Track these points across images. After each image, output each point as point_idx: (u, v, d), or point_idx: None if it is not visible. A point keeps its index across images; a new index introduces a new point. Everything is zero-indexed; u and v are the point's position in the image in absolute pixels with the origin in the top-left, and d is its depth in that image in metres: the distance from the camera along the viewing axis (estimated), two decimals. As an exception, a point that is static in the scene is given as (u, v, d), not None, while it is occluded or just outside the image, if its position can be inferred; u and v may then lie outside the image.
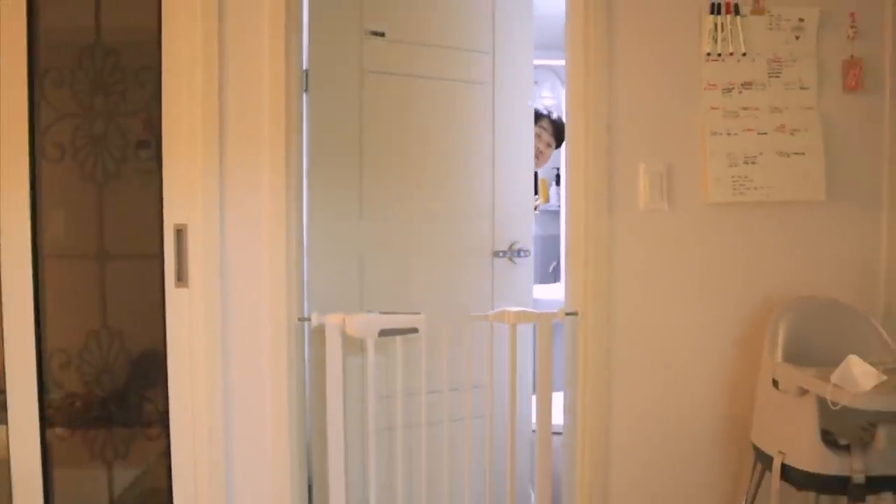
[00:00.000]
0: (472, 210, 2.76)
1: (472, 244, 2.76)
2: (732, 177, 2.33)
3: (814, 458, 1.97)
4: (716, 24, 2.31)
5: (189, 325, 2.22)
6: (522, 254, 2.82)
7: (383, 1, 2.59)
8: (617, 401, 2.36)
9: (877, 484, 1.95)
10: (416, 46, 2.62)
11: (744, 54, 2.33)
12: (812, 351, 2.18)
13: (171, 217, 2.22)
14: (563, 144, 2.95)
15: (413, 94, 2.64)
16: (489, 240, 2.77)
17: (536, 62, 2.96)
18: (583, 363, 2.33)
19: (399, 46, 2.59)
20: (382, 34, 2.56)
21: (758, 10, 2.33)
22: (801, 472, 1.99)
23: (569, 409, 2.39)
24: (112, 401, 2.32)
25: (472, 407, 2.45)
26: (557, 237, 4.10)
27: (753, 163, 2.34)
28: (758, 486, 2.24)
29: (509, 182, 2.81)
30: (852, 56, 2.36)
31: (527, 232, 2.86)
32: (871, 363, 1.94)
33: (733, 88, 2.33)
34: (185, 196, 2.21)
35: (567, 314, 2.34)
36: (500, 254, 2.78)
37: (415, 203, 2.66)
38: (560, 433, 2.45)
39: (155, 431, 2.30)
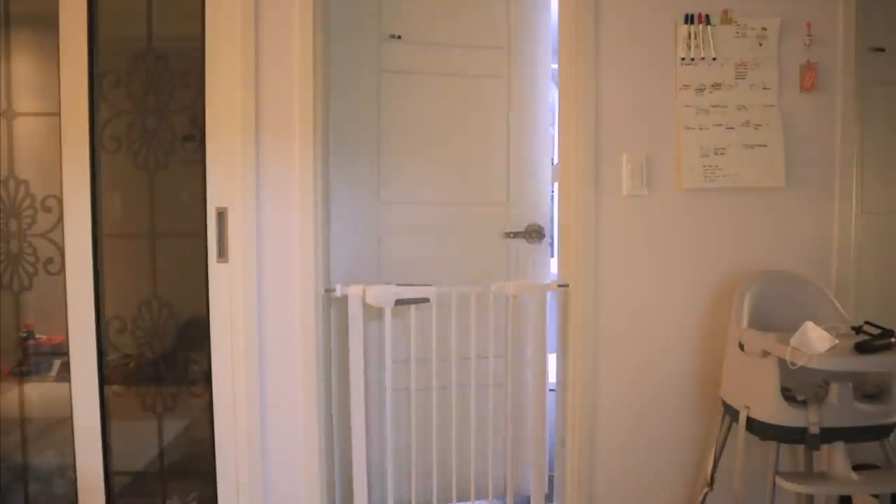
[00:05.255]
0: (487, 194, 2.67)
1: (487, 226, 2.66)
2: (704, 166, 2.33)
3: (775, 411, 1.98)
4: (689, 33, 2.31)
5: (229, 296, 2.22)
6: (537, 234, 2.70)
7: (400, 7, 2.54)
8: (603, 361, 2.35)
9: (829, 434, 1.96)
10: (431, 46, 2.57)
11: (714, 59, 2.33)
12: (773, 318, 2.19)
13: (214, 200, 2.22)
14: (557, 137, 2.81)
15: (428, 89, 2.58)
16: (504, 222, 2.67)
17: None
18: (573, 328, 2.33)
19: (415, 47, 2.55)
20: (399, 37, 2.52)
21: (726, 21, 2.33)
22: (764, 424, 2.00)
23: (561, 368, 2.39)
24: (162, 361, 2.31)
25: (482, 375, 2.43)
26: (552, 219, 4.06)
27: (722, 154, 2.33)
28: (726, 436, 2.25)
29: (525, 168, 2.71)
30: (808, 60, 2.35)
31: (542, 214, 2.74)
32: (826, 328, 1.95)
33: (705, 89, 2.33)
34: (225, 182, 2.21)
35: (559, 286, 2.34)
36: (515, 234, 2.66)
37: (430, 188, 2.61)
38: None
39: (199, 388, 2.30)
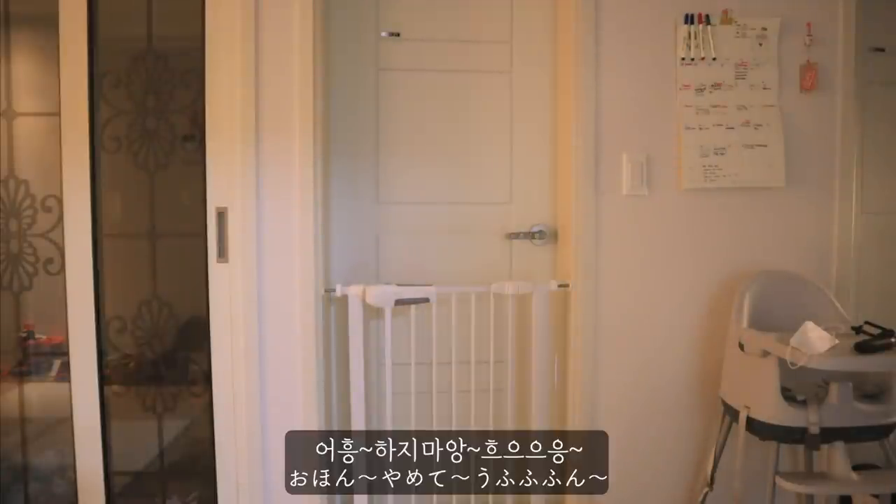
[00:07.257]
0: (488, 193, 2.55)
1: (489, 226, 2.53)
2: (704, 166, 2.32)
3: (775, 411, 1.98)
4: (689, 33, 2.31)
5: (229, 296, 2.22)
6: (541, 235, 2.53)
7: (398, 4, 2.47)
8: (603, 361, 2.35)
9: (829, 434, 1.96)
10: (430, 43, 2.49)
11: (714, 59, 2.32)
12: (773, 318, 2.18)
13: (214, 201, 2.21)
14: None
15: (428, 87, 2.49)
16: (506, 222, 2.53)
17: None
18: (573, 328, 2.33)
19: (414, 44, 2.47)
20: (398, 34, 2.46)
21: (726, 21, 2.33)
22: (764, 424, 2.00)
23: (561, 368, 2.37)
24: (162, 361, 2.31)
25: (486, 380, 2.38)
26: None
27: (722, 154, 2.33)
28: (726, 436, 2.25)
29: (530, 167, 2.53)
30: (808, 60, 2.35)
31: (548, 215, 2.55)
32: (826, 328, 1.95)
33: (705, 89, 2.33)
34: (225, 182, 2.20)
35: (560, 286, 2.33)
36: (520, 236, 2.52)
37: (431, 187, 2.53)
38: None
39: (199, 388, 2.29)
